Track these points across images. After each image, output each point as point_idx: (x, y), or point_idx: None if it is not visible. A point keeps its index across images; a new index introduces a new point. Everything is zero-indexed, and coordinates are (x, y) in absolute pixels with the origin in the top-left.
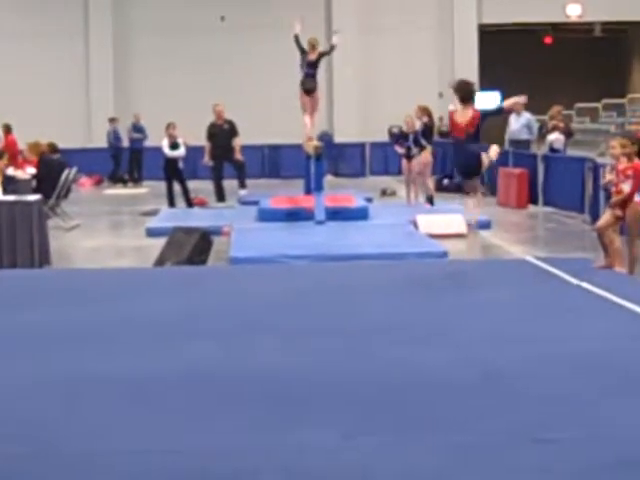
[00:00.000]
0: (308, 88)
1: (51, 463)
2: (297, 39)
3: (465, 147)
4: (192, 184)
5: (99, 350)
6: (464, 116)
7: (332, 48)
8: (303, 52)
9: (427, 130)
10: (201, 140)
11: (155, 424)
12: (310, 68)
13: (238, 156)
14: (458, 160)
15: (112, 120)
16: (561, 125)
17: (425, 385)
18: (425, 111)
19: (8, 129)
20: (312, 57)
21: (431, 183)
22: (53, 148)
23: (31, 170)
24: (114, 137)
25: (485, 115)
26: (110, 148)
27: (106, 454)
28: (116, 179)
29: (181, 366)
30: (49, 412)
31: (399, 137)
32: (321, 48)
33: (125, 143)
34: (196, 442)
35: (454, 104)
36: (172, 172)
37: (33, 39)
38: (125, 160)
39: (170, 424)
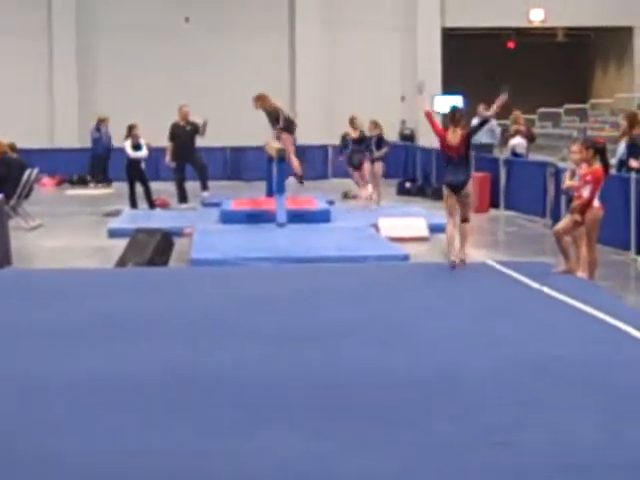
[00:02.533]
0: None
1: (13, 465)
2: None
3: (457, 166)
4: (154, 185)
5: (60, 350)
6: (455, 137)
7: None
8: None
9: (379, 141)
10: (164, 141)
11: (113, 425)
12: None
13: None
14: (449, 177)
15: (102, 121)
16: (523, 129)
17: (385, 388)
18: (377, 125)
19: None
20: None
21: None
22: (12, 148)
23: None
24: (106, 138)
25: (472, 132)
26: (96, 149)
27: (66, 454)
28: (99, 180)
29: (140, 368)
30: (9, 413)
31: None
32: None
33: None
34: (156, 444)
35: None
36: (135, 173)
37: None
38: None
39: (129, 425)
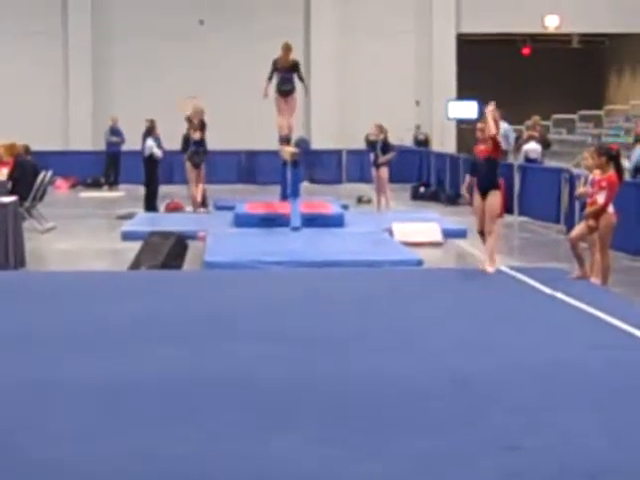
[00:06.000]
0: (284, 90)
1: (18, 469)
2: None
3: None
4: (168, 189)
5: (72, 354)
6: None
7: (302, 80)
8: (275, 66)
9: (385, 146)
10: (177, 144)
11: (124, 430)
12: (286, 72)
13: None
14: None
15: (115, 122)
16: (536, 135)
17: (395, 393)
18: (382, 129)
19: None
20: (284, 63)
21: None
22: (26, 150)
23: (4, 171)
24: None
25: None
26: (110, 151)
27: (74, 460)
28: (112, 182)
29: (153, 371)
30: (18, 417)
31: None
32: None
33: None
34: (161, 447)
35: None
36: (153, 173)
37: (9, 39)
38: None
39: (136, 429)
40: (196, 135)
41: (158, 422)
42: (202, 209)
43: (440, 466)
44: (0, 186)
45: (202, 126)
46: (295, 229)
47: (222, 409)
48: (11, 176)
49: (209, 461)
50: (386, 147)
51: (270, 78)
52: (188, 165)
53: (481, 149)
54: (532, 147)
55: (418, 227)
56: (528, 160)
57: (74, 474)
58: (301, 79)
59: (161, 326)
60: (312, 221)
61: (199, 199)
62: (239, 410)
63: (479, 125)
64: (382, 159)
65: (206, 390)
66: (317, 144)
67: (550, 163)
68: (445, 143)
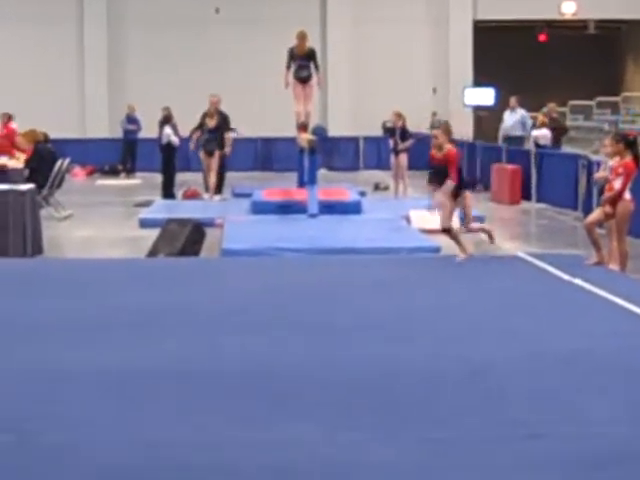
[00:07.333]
0: (301, 77)
1: (33, 454)
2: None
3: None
4: (185, 176)
5: (90, 340)
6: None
7: (317, 68)
8: (292, 55)
9: (403, 132)
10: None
11: (138, 416)
12: (303, 60)
13: (228, 149)
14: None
15: (132, 110)
16: (546, 121)
17: (412, 380)
18: (400, 116)
19: (9, 118)
20: (300, 51)
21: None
22: (45, 138)
23: (21, 158)
24: (135, 128)
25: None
26: (127, 139)
27: (90, 447)
28: (129, 170)
29: (167, 359)
30: (33, 402)
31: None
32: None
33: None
34: (178, 435)
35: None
36: (171, 160)
37: (26, 27)
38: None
39: (153, 417)
40: (211, 123)
41: (175, 410)
42: (217, 196)
43: (457, 453)
44: (17, 174)
45: (222, 117)
46: (312, 216)
47: (237, 395)
48: (29, 163)
49: (226, 449)
50: (405, 134)
51: (289, 67)
52: (202, 153)
53: (437, 157)
54: (542, 133)
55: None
56: (537, 146)
57: (89, 461)
58: (317, 67)
59: (178, 314)
60: (329, 208)
61: (213, 186)
62: (254, 397)
63: (433, 132)
64: (401, 146)
65: (222, 378)
66: (334, 131)
67: (567, 149)
68: (462, 130)
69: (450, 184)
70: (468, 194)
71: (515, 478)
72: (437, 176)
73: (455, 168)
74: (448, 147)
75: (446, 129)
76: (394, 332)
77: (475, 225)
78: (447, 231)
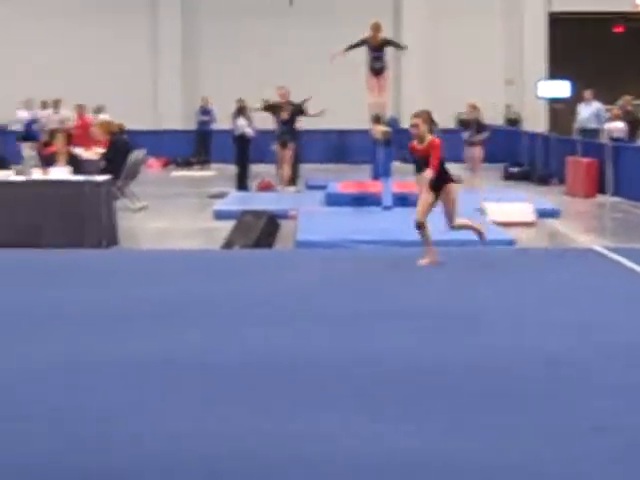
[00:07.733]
0: (376, 68)
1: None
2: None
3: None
4: (259, 168)
5: (161, 329)
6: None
7: (400, 47)
8: (364, 42)
9: (479, 125)
10: (269, 124)
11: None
12: (377, 51)
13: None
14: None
15: (206, 101)
16: (620, 114)
17: (482, 371)
18: (475, 107)
19: (83, 110)
20: (374, 42)
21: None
22: (121, 129)
23: (98, 150)
24: (210, 119)
25: None
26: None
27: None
28: (203, 162)
29: (228, 349)
30: (110, 392)
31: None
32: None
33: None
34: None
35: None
36: (244, 152)
37: (100, 17)
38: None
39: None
40: (284, 115)
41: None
42: (291, 188)
43: (528, 445)
44: (93, 165)
45: (296, 108)
46: (387, 208)
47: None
48: (105, 155)
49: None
50: (480, 126)
51: (349, 49)
52: (277, 145)
53: (419, 149)
54: (616, 126)
55: (511, 207)
56: (612, 139)
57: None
58: (398, 46)
59: (251, 304)
60: (404, 200)
61: (286, 178)
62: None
63: (413, 121)
64: (477, 138)
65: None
66: (407, 124)
67: None
68: (537, 123)
69: (428, 174)
70: (452, 187)
71: (592, 470)
72: (421, 170)
73: (437, 158)
74: (430, 138)
75: (427, 118)
76: (470, 324)
77: (461, 221)
78: (420, 227)
